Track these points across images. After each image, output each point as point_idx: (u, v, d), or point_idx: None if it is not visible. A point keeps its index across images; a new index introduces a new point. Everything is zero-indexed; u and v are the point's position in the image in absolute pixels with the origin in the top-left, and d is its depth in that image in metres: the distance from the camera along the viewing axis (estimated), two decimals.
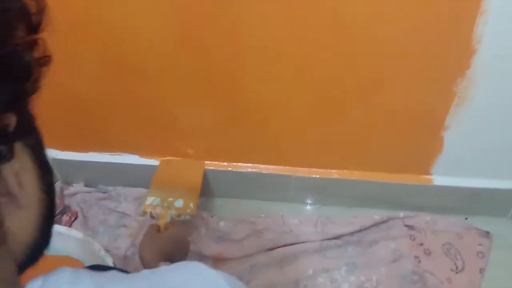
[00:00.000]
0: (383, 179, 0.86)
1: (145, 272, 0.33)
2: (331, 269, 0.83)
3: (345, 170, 0.87)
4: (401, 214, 0.89)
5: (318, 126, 0.79)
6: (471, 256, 0.83)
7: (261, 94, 0.75)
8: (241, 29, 0.65)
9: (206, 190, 0.95)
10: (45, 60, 0.25)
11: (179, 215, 0.78)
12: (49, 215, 0.30)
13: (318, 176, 0.88)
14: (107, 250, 0.76)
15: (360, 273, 0.82)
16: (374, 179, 0.86)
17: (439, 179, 0.84)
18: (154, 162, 0.90)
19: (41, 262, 0.31)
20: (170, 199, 0.80)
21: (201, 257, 0.85)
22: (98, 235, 0.90)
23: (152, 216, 0.78)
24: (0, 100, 0.22)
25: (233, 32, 0.65)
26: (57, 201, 0.94)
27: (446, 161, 0.81)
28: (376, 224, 0.88)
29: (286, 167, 0.89)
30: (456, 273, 0.82)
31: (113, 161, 0.92)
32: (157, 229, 0.71)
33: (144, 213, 0.79)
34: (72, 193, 0.97)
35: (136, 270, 0.37)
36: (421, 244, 0.85)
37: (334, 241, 0.87)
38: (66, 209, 0.95)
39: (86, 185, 0.99)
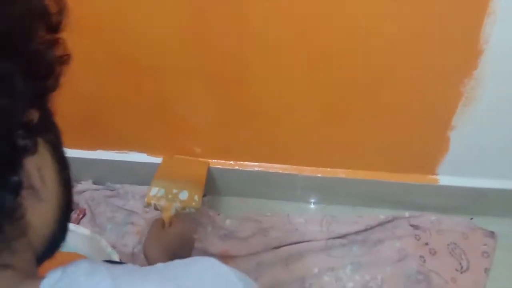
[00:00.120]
0: (389, 179, 0.86)
1: (159, 265, 0.34)
2: (336, 268, 0.84)
3: (350, 170, 0.88)
4: (407, 214, 0.89)
5: (324, 125, 0.80)
6: (476, 256, 0.84)
7: (268, 93, 0.75)
8: (249, 28, 0.65)
9: (213, 188, 0.96)
10: (65, 58, 0.26)
11: (183, 208, 0.77)
12: (66, 209, 0.31)
13: (323, 175, 0.88)
14: (114, 247, 0.77)
15: (365, 272, 0.83)
16: (380, 179, 0.86)
17: (445, 179, 0.85)
18: (161, 160, 0.91)
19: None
20: (175, 191, 0.79)
21: (207, 255, 0.85)
22: (105, 232, 0.91)
23: (156, 208, 0.77)
24: (25, 96, 0.23)
25: (241, 31, 0.66)
26: None
27: (452, 161, 0.81)
28: (381, 224, 0.88)
29: (292, 166, 0.89)
30: (461, 273, 0.82)
31: (121, 159, 0.93)
32: (162, 224, 0.71)
33: (148, 204, 0.77)
34: (80, 191, 0.98)
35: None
36: (426, 244, 0.86)
37: (340, 240, 0.87)
38: (74, 206, 0.96)
39: (94, 183, 1.00)
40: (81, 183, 0.99)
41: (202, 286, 0.30)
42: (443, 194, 0.87)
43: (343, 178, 0.87)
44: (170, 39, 0.69)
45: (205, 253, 0.86)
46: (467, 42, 0.62)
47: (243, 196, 0.96)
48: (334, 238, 0.87)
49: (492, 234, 0.86)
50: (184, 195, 0.79)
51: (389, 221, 0.88)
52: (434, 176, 0.85)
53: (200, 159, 0.90)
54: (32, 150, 0.24)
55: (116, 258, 0.74)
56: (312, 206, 0.96)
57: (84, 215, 0.95)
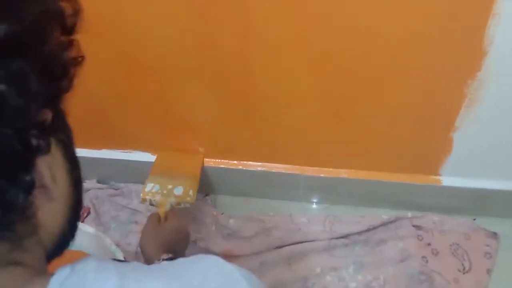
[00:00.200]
0: (392, 179, 0.86)
1: (164, 263, 0.34)
2: (339, 268, 0.84)
3: (353, 170, 0.88)
4: (409, 214, 0.89)
5: (327, 125, 0.80)
6: (479, 257, 0.84)
7: (270, 93, 0.76)
8: (253, 29, 0.65)
9: (216, 187, 0.96)
10: (80, 60, 0.27)
11: (178, 203, 0.77)
12: (76, 208, 0.31)
13: (326, 175, 0.88)
14: (118, 246, 0.77)
15: (368, 272, 0.83)
16: (383, 179, 0.86)
17: (447, 180, 0.85)
18: (156, 156, 0.91)
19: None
20: (170, 186, 0.79)
21: (211, 254, 0.86)
22: (109, 231, 0.92)
23: (151, 204, 0.77)
24: (39, 97, 0.23)
25: (245, 32, 0.66)
26: None
27: (455, 162, 0.81)
28: (384, 224, 0.88)
29: (295, 166, 0.89)
30: (463, 273, 0.82)
31: (125, 158, 0.93)
32: (158, 219, 0.72)
33: (144, 200, 0.78)
34: (85, 190, 0.98)
35: None
36: (429, 244, 0.86)
37: (342, 240, 0.87)
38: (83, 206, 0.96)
39: (98, 182, 1.00)
40: (85, 182, 1.00)
41: (207, 283, 0.30)
42: (446, 194, 0.87)
43: (345, 178, 0.88)
44: (171, 39, 0.69)
45: (209, 252, 0.87)
46: (471, 44, 0.62)
47: (246, 196, 0.97)
48: (336, 238, 0.87)
49: (494, 235, 0.86)
50: (179, 190, 0.79)
51: (391, 222, 0.89)
52: (437, 177, 0.85)
53: (195, 155, 0.90)
54: (45, 150, 0.25)
55: (120, 256, 0.74)
56: (314, 206, 0.96)
57: (88, 213, 0.95)
